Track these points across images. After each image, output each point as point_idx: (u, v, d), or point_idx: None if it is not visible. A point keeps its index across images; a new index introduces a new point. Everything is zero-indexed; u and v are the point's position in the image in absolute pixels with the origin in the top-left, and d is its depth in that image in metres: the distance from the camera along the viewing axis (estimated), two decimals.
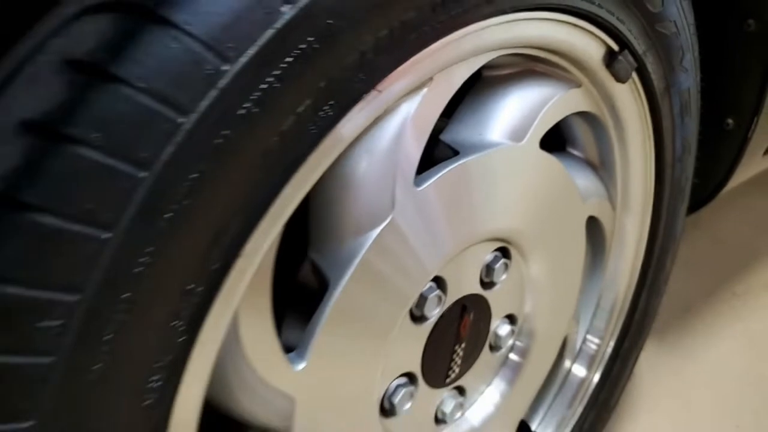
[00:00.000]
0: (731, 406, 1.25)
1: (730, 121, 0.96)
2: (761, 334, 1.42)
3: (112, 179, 0.35)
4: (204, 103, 0.36)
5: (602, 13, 0.62)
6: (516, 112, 0.66)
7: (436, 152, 0.63)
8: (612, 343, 0.93)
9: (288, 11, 0.38)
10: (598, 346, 0.93)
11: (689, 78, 0.78)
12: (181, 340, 0.42)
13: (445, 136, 0.64)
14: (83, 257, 0.35)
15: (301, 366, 0.55)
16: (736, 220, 1.70)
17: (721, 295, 1.48)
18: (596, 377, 0.93)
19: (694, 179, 0.94)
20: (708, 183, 1.01)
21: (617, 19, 0.64)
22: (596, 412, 0.98)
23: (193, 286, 0.40)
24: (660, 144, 0.81)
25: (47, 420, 0.37)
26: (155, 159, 0.36)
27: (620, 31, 0.65)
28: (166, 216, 0.37)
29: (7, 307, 0.35)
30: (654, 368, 1.29)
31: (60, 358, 0.36)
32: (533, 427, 0.95)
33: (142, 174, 0.36)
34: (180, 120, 0.36)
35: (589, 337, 0.92)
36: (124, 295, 0.37)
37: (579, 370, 0.93)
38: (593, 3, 0.60)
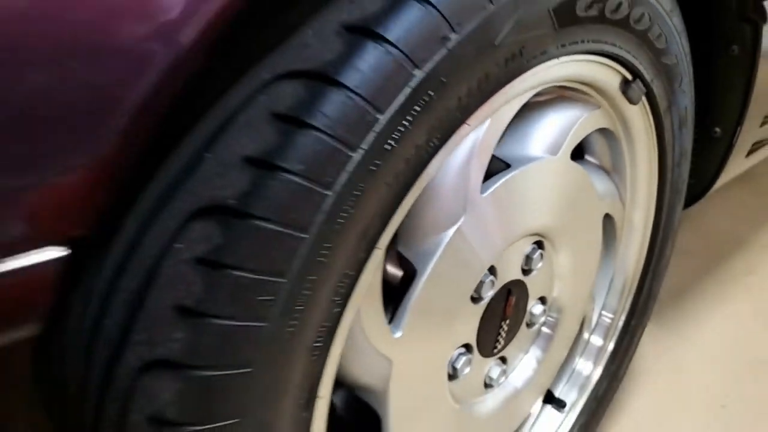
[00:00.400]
0: (719, 378, 1.43)
1: (717, 129, 1.12)
2: (745, 315, 1.60)
3: (309, 196, 0.50)
4: (366, 142, 0.52)
5: (622, 53, 0.78)
6: (552, 131, 0.82)
7: (491, 165, 0.79)
8: (623, 318, 1.10)
9: (418, 74, 0.54)
10: (611, 320, 1.10)
11: (686, 98, 0.95)
12: (336, 311, 0.57)
13: (498, 152, 0.80)
14: (288, 251, 0.51)
15: (398, 334, 0.70)
16: (721, 213, 1.88)
17: (709, 281, 1.65)
18: (610, 346, 1.10)
19: (689, 179, 1.10)
20: (700, 182, 1.18)
21: (632, 56, 0.80)
22: (608, 381, 1.15)
23: (348, 270, 0.56)
24: (662, 152, 0.97)
25: (259, 368, 0.52)
26: (335, 182, 0.51)
27: (634, 65, 0.81)
28: (339, 221, 0.52)
29: (239, 288, 0.50)
30: (651, 345, 1.46)
31: (269, 323, 0.51)
32: (556, 393, 1.11)
33: (327, 192, 0.51)
34: (351, 154, 0.51)
35: (603, 312, 1.09)
36: (311, 278, 0.52)
37: (596, 340, 1.09)
38: (615, 45, 0.76)
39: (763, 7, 0.97)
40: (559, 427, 1.11)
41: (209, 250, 0.49)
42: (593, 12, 0.70)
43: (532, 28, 0.63)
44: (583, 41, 0.71)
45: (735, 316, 1.56)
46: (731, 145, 1.13)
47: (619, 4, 0.72)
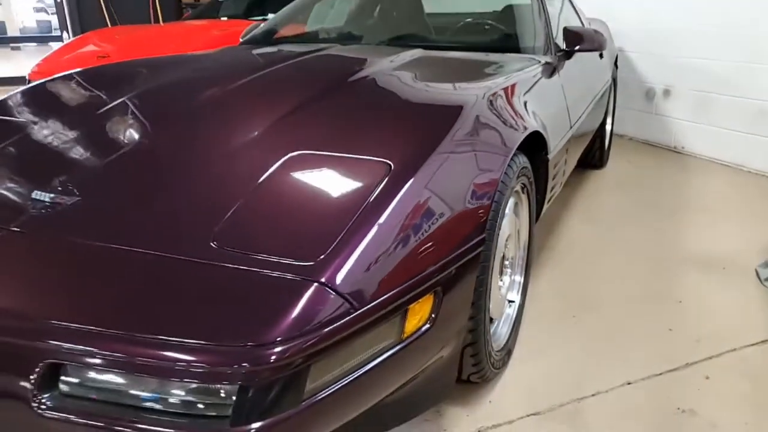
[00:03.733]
0: (564, 278, 3.62)
1: (539, 196, 3.32)
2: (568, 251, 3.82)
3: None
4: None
5: (526, 185, 2.91)
6: (509, 206, 2.91)
7: None
8: (525, 256, 3.23)
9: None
10: (522, 258, 3.21)
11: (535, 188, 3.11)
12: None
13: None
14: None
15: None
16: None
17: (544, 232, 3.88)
18: (524, 269, 3.22)
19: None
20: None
21: (526, 185, 2.93)
22: (524, 286, 3.26)
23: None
24: (530, 206, 3.12)
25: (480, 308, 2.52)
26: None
27: (526, 186, 2.95)
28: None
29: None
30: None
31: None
32: (509, 297, 3.20)
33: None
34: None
35: (520, 255, 3.21)
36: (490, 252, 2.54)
37: (520, 258, 3.21)
38: (523, 183, 2.89)
39: (547, 159, 3.19)
40: (513, 313, 3.18)
41: None
42: (520, 175, 2.82)
43: (514, 182, 2.73)
44: (519, 182, 2.83)
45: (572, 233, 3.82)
46: (544, 200, 3.35)
47: (525, 175, 2.86)
